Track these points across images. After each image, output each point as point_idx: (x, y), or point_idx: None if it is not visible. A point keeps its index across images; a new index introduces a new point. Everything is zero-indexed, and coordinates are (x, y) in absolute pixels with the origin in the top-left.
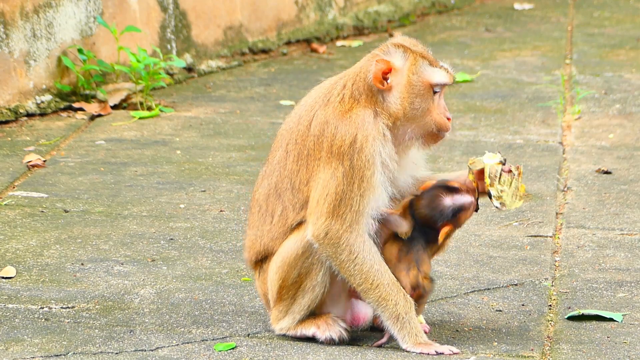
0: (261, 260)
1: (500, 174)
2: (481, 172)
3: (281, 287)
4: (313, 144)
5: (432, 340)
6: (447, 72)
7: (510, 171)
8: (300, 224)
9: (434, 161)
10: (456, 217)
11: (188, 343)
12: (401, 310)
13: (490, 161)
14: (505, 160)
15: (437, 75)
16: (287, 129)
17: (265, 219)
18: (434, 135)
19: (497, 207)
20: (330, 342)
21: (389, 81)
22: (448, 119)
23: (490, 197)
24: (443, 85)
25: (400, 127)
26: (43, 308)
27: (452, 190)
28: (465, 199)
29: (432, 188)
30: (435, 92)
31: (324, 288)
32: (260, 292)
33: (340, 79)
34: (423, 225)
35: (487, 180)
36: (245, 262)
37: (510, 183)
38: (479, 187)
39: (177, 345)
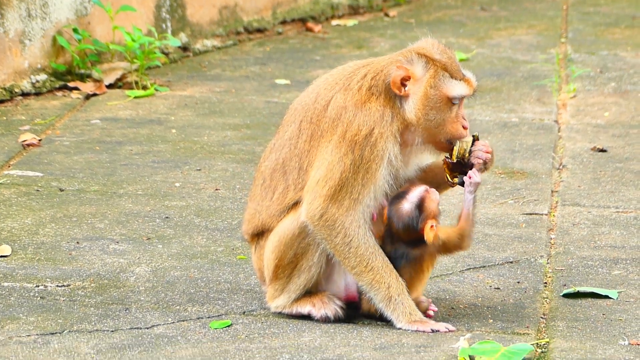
0: (258, 234)
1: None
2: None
3: (277, 267)
4: (328, 125)
5: (428, 318)
6: (469, 82)
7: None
8: (297, 203)
9: None
10: (423, 209)
11: (183, 321)
12: (393, 293)
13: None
14: (477, 135)
15: (457, 89)
16: (302, 104)
17: (266, 193)
18: (443, 145)
19: (456, 182)
20: (326, 320)
21: (406, 88)
22: (465, 127)
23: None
24: (462, 98)
25: (412, 133)
26: (38, 286)
27: (402, 194)
28: (416, 190)
29: (388, 209)
30: (454, 104)
31: (319, 268)
32: (255, 267)
33: (363, 67)
34: (411, 242)
35: (454, 157)
36: (242, 235)
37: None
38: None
39: (173, 323)
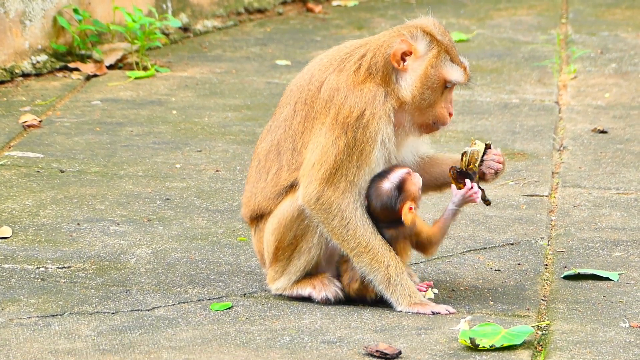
0: (257, 217)
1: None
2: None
3: (277, 249)
4: (321, 107)
5: (428, 300)
6: (465, 70)
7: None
8: (293, 186)
9: None
10: (403, 190)
11: (184, 303)
12: (392, 273)
13: (475, 148)
14: (490, 144)
15: (455, 74)
16: (297, 86)
17: (261, 175)
18: (429, 126)
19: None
20: (326, 302)
21: (405, 63)
22: (450, 114)
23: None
24: (456, 84)
25: (404, 113)
26: (39, 268)
27: (383, 173)
28: (399, 171)
29: (368, 187)
30: (446, 87)
31: (319, 250)
32: (256, 250)
33: (361, 47)
34: (388, 222)
35: (463, 166)
36: (242, 217)
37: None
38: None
39: (173, 305)
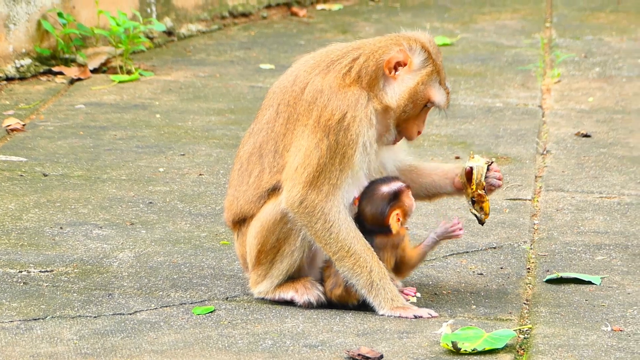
0: (239, 221)
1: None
2: (469, 173)
3: (260, 252)
4: (304, 109)
5: (410, 304)
6: (448, 96)
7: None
8: (275, 189)
9: None
10: (397, 199)
11: (167, 306)
12: (375, 277)
13: (476, 164)
14: (492, 162)
15: (440, 96)
16: (281, 87)
17: (243, 178)
18: (396, 139)
19: (474, 214)
20: (309, 306)
21: (397, 73)
22: (419, 132)
23: (473, 203)
24: (437, 107)
25: (387, 118)
26: (22, 272)
27: (381, 180)
28: (397, 182)
29: (364, 190)
30: (426, 106)
31: (302, 253)
32: (238, 254)
33: (353, 50)
34: (376, 229)
35: (474, 186)
36: (225, 222)
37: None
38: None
39: (156, 308)
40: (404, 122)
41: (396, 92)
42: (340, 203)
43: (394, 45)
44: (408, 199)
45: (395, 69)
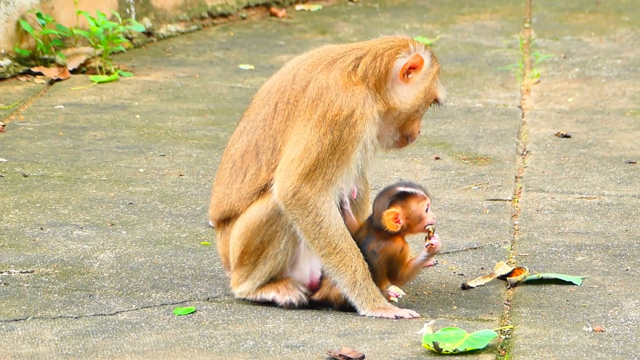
0: (225, 220)
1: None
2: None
3: (243, 253)
4: (306, 105)
5: (392, 304)
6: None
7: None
8: (266, 189)
9: None
10: (404, 199)
11: (147, 307)
12: (359, 277)
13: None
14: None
15: (443, 94)
16: (278, 86)
17: (237, 176)
18: (402, 141)
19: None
20: (290, 306)
21: (409, 76)
22: (419, 132)
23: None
24: (441, 103)
25: (389, 120)
26: (2, 272)
27: (406, 182)
28: (417, 187)
29: (385, 187)
30: (430, 105)
31: (285, 256)
32: (220, 253)
33: (356, 49)
34: (378, 223)
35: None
36: (208, 220)
37: None
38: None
39: (137, 309)
40: (412, 123)
41: (410, 94)
42: (332, 199)
43: (401, 48)
44: (416, 205)
45: (408, 72)
